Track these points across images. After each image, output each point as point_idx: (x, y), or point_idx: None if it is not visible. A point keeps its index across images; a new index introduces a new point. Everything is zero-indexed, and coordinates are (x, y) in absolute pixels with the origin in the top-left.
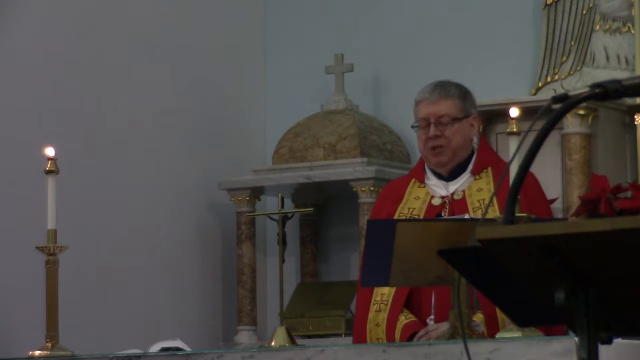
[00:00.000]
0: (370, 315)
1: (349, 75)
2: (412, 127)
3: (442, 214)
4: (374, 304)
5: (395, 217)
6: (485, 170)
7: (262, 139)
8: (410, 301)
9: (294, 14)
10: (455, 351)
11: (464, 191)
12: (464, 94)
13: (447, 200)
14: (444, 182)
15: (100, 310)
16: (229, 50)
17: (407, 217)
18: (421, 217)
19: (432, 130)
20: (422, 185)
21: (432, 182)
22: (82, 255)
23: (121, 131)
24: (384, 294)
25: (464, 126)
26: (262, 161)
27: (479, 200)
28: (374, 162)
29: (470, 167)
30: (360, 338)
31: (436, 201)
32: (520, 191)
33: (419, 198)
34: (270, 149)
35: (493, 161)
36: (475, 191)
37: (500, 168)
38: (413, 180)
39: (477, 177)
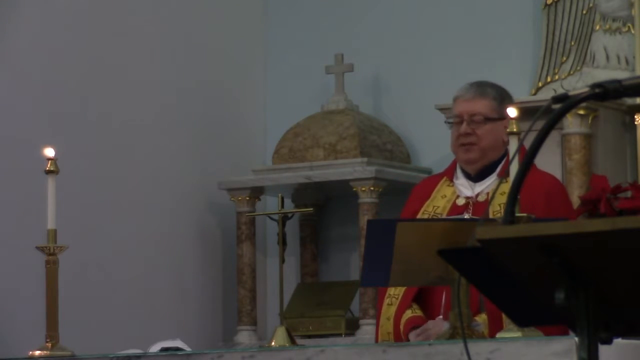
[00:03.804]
0: (383, 309)
1: (349, 75)
2: (446, 122)
3: (465, 215)
4: (387, 298)
5: (419, 214)
6: None
7: (262, 139)
8: (422, 298)
9: (294, 14)
10: (455, 351)
11: (488, 193)
12: (501, 96)
13: (471, 202)
14: (470, 183)
15: (100, 310)
16: (229, 50)
17: (430, 215)
18: (444, 216)
19: (464, 128)
20: (450, 184)
21: (460, 181)
22: (82, 255)
23: (121, 131)
24: (397, 287)
25: (497, 127)
26: (262, 161)
27: (499, 204)
28: (374, 162)
29: (499, 169)
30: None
31: (460, 201)
32: (542, 196)
33: (445, 197)
34: (270, 149)
35: None
36: (499, 194)
37: (530, 173)
38: (444, 178)
39: (504, 180)
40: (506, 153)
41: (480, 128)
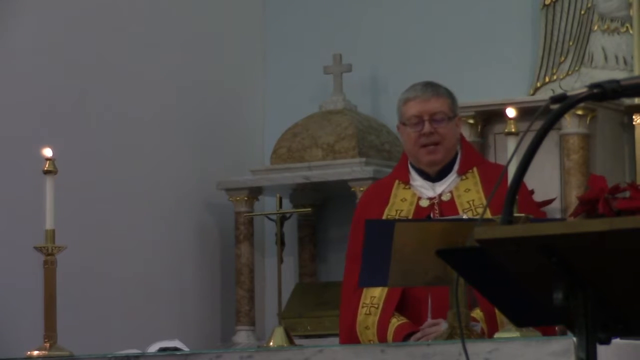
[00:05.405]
0: (360, 318)
1: (347, 75)
2: (404, 124)
3: (431, 215)
4: (363, 307)
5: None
6: (470, 171)
7: (260, 139)
8: (404, 304)
9: (294, 14)
10: (453, 351)
11: (451, 192)
12: (451, 95)
13: (435, 202)
14: (430, 183)
15: (99, 310)
16: (229, 50)
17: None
18: (410, 218)
19: (427, 127)
20: (407, 187)
21: (418, 183)
22: (80, 255)
23: (119, 131)
24: (374, 297)
25: (453, 126)
26: (260, 161)
27: (468, 202)
28: (372, 162)
29: (456, 167)
30: (349, 340)
31: (424, 202)
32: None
33: (405, 200)
34: (268, 149)
35: (478, 161)
36: (463, 192)
37: (486, 168)
38: (397, 181)
39: (464, 177)
40: (457, 151)
41: (442, 127)
